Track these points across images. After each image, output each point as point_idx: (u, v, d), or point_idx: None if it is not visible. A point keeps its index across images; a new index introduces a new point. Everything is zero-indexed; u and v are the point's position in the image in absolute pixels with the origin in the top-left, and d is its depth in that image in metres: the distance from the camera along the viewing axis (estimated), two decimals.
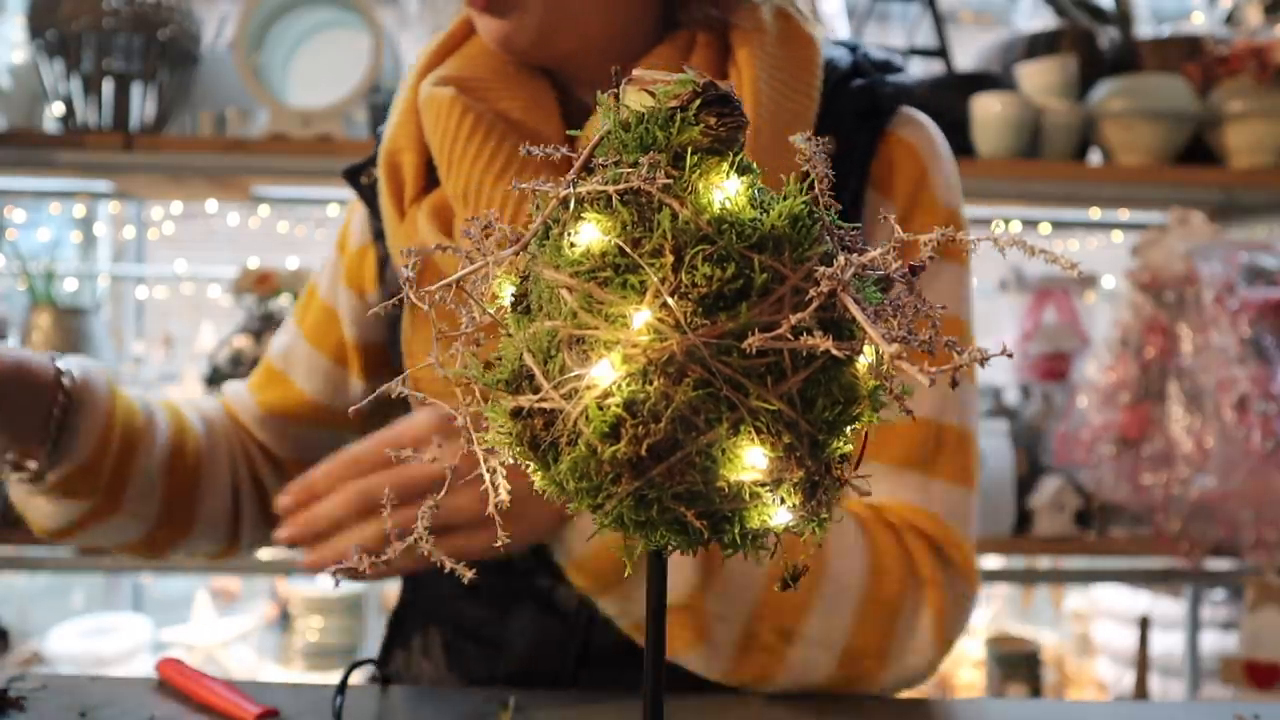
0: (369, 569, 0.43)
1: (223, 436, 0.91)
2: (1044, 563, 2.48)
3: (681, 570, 0.70)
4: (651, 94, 0.40)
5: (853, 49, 0.86)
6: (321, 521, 0.67)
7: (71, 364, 0.77)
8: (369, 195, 0.88)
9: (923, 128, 0.83)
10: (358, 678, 0.74)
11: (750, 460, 0.36)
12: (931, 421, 0.78)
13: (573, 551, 0.71)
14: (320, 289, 0.96)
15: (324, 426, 0.94)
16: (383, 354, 0.93)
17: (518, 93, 0.78)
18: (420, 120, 0.80)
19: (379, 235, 0.88)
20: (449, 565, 0.41)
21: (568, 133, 0.78)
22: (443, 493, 0.43)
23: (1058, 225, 2.49)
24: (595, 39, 0.77)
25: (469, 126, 0.76)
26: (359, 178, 0.90)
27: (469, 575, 0.41)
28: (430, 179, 0.81)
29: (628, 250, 0.37)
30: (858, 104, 0.81)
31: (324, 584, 2.72)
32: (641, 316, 0.36)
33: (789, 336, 0.35)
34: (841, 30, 2.19)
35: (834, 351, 0.35)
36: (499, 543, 0.40)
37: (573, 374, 0.37)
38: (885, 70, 0.85)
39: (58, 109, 1.89)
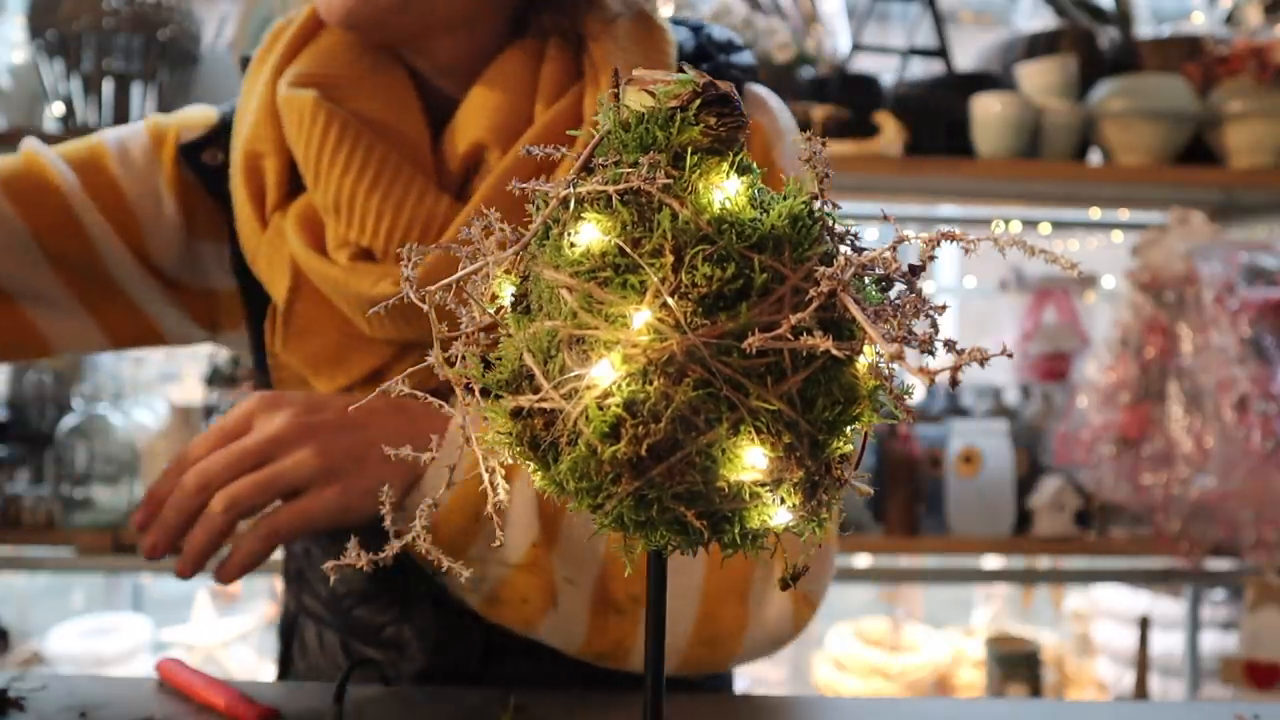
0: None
1: None
2: (1044, 563, 2.48)
3: (520, 528, 0.70)
4: (651, 94, 0.40)
5: (695, 30, 0.85)
6: (171, 519, 0.67)
7: None
8: (212, 178, 0.83)
9: (766, 104, 0.83)
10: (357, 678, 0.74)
11: (750, 460, 0.36)
12: None
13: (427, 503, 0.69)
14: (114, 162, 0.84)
15: None
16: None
17: (375, 88, 0.77)
18: (280, 123, 0.77)
19: (229, 226, 0.83)
20: (443, 562, 0.41)
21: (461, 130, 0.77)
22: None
23: (1058, 225, 2.49)
24: (441, 21, 0.75)
25: (335, 135, 0.74)
26: (200, 156, 0.83)
27: (465, 574, 0.41)
28: (293, 183, 0.79)
29: (628, 250, 0.37)
30: None
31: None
32: (641, 316, 0.36)
33: (789, 336, 0.35)
34: (842, 30, 2.19)
35: (834, 351, 0.35)
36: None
37: (573, 374, 0.37)
38: (729, 50, 0.84)
39: (58, 109, 1.89)
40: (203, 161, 0.83)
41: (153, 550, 0.68)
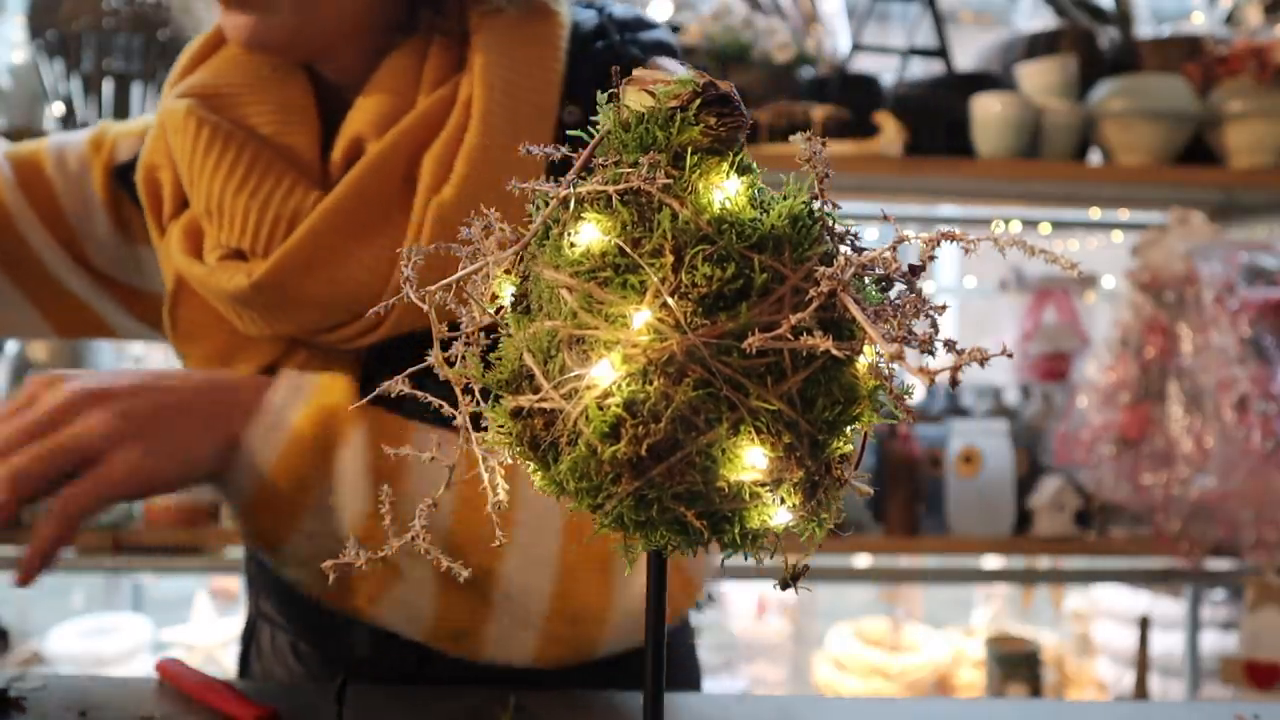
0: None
1: None
2: (1044, 563, 2.48)
3: (354, 495, 0.68)
4: (651, 94, 0.40)
5: (599, 10, 0.84)
6: None
7: None
8: (135, 194, 0.84)
9: (663, 66, 0.81)
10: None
11: (750, 460, 0.36)
12: None
13: (249, 472, 0.68)
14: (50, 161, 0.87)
15: None
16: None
17: (269, 97, 0.78)
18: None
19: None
20: (443, 561, 0.41)
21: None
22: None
23: (1058, 225, 2.49)
24: (336, 34, 0.76)
25: (206, 140, 0.75)
26: (129, 175, 0.85)
27: (465, 573, 0.41)
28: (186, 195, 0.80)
29: (628, 250, 0.37)
30: (600, 67, 0.79)
31: None
32: (641, 316, 0.36)
33: (789, 336, 0.35)
34: (842, 30, 2.19)
35: (834, 351, 0.35)
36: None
37: (573, 374, 0.37)
38: (634, 28, 0.83)
39: (58, 109, 1.89)
40: (130, 180, 0.84)
41: None
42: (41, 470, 0.62)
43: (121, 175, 0.85)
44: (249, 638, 0.93)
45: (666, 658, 0.87)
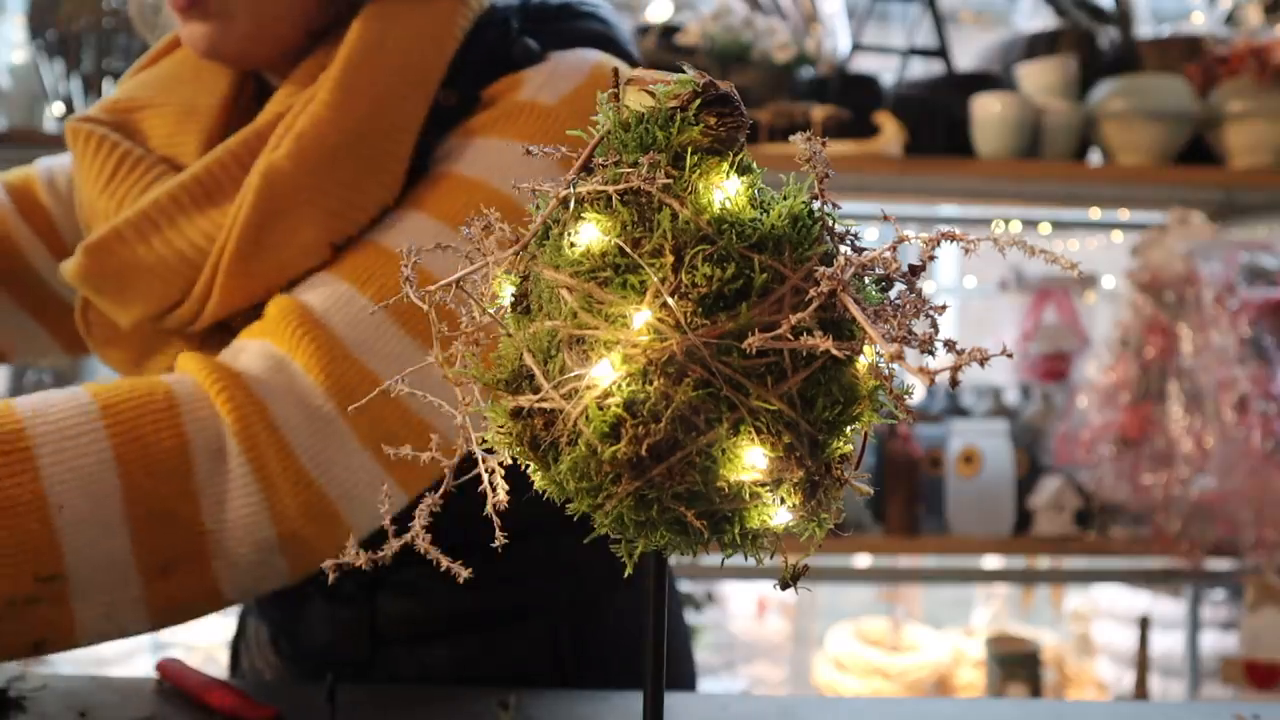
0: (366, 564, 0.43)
1: None
2: (1044, 563, 2.48)
3: None
4: (651, 94, 0.40)
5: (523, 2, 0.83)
6: None
7: None
8: None
9: (551, 60, 0.78)
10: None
11: (750, 460, 0.36)
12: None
13: None
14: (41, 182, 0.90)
15: None
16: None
17: (173, 102, 0.80)
18: None
19: None
20: (442, 562, 0.41)
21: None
22: (442, 490, 0.43)
23: (1058, 225, 2.49)
24: (294, 44, 0.77)
25: (80, 148, 0.78)
26: None
27: (465, 573, 0.40)
28: None
29: (628, 250, 0.37)
30: (484, 54, 0.77)
31: None
32: (641, 316, 0.36)
33: (789, 337, 0.35)
34: (842, 30, 2.19)
35: (834, 351, 0.35)
36: None
37: (573, 374, 0.37)
38: (557, 18, 0.81)
39: (58, 109, 1.89)
40: None
41: None
42: None
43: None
44: (240, 631, 0.95)
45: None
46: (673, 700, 0.72)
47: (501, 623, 0.83)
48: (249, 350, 0.69)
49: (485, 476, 0.40)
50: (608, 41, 0.80)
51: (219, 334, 0.75)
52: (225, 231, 0.71)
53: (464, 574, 0.40)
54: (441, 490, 0.43)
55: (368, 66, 0.73)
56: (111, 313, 0.77)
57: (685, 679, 0.93)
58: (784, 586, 0.40)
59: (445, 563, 0.41)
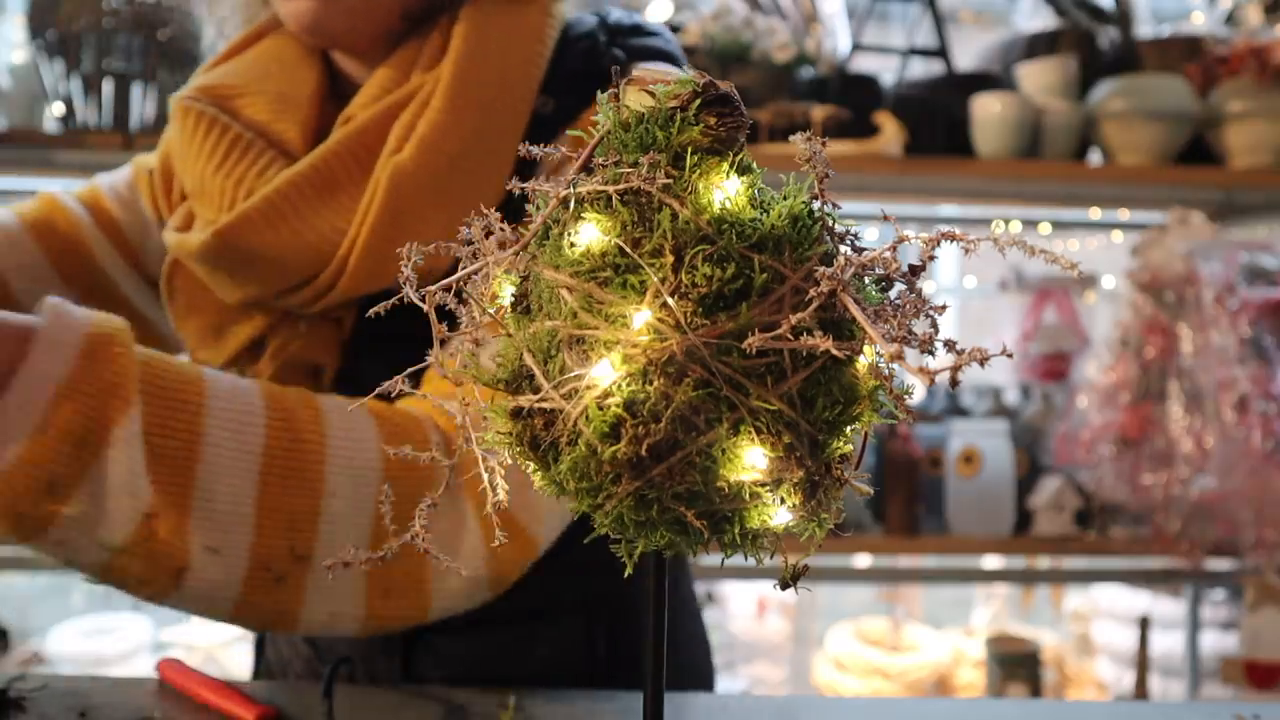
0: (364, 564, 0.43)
1: None
2: (1044, 563, 2.48)
3: (122, 500, 0.59)
4: (651, 94, 0.40)
5: (599, 15, 0.87)
6: None
7: None
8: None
9: (649, 70, 0.83)
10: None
11: (750, 460, 0.36)
12: None
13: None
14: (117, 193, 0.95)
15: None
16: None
17: (268, 90, 0.83)
18: None
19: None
20: (442, 560, 0.41)
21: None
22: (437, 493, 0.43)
23: (1058, 225, 2.49)
24: (388, 28, 0.80)
25: (192, 126, 0.81)
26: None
27: (464, 572, 0.41)
28: None
29: (628, 250, 0.37)
30: (579, 65, 0.81)
31: None
32: (641, 316, 0.36)
33: (789, 336, 0.35)
34: (842, 30, 2.19)
35: (834, 351, 0.35)
36: None
37: (573, 374, 0.37)
38: (630, 34, 0.85)
39: (58, 109, 1.89)
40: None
41: None
42: None
43: (153, 177, 0.92)
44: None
45: (678, 656, 0.87)
46: (673, 700, 0.72)
47: (536, 620, 0.83)
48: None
49: (485, 476, 0.40)
50: (672, 58, 0.85)
51: (322, 315, 0.80)
52: (355, 227, 0.75)
53: (464, 573, 0.40)
54: (440, 489, 0.43)
55: (475, 74, 0.77)
56: (223, 289, 0.80)
57: (706, 679, 0.93)
58: (784, 586, 0.40)
59: (446, 562, 0.41)
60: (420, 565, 0.68)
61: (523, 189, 0.42)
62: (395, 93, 0.78)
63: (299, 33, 0.80)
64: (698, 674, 0.93)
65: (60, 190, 0.93)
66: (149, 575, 0.61)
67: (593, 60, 0.81)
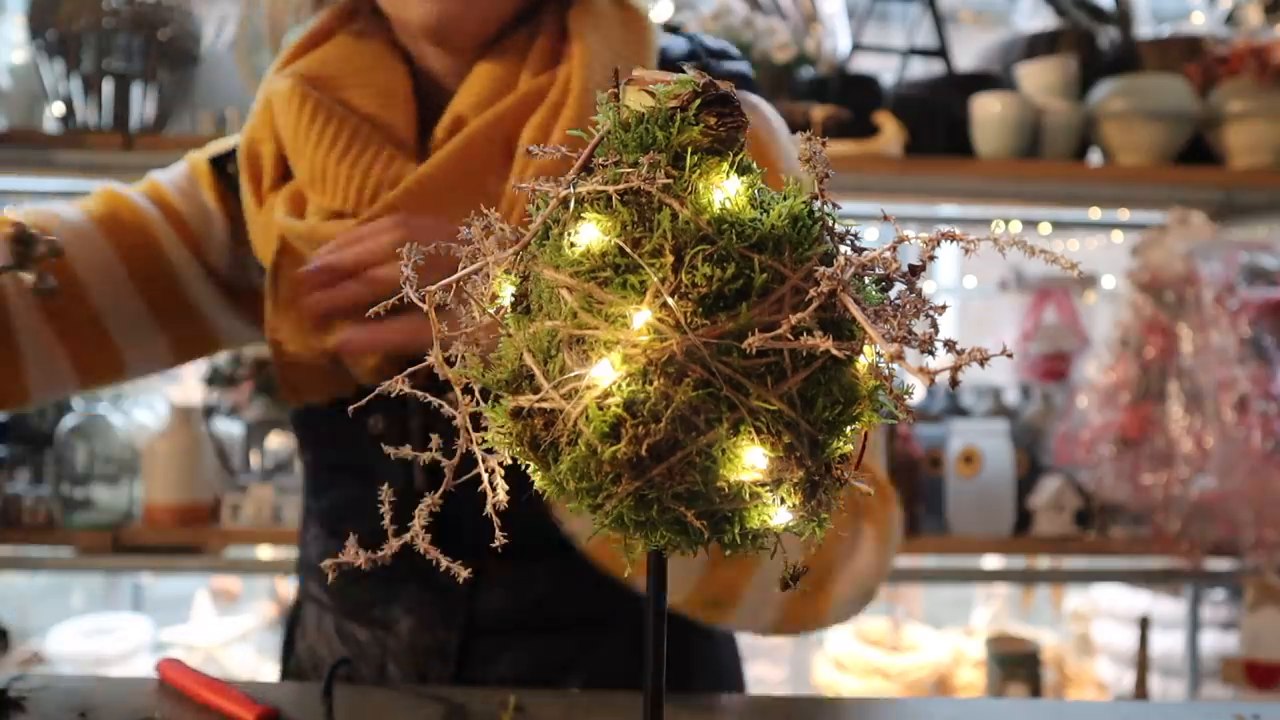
0: (364, 564, 0.43)
1: None
2: (1044, 563, 2.48)
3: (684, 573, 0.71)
4: (651, 94, 0.40)
5: (689, 38, 0.88)
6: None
7: None
8: (235, 185, 0.89)
9: (757, 109, 0.86)
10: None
11: (750, 460, 0.36)
12: None
13: None
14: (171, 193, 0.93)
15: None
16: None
17: (369, 83, 0.82)
18: (273, 112, 0.84)
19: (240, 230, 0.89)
20: (442, 562, 0.41)
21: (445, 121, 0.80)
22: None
23: (1058, 225, 2.49)
24: (500, 27, 0.80)
25: (309, 113, 0.80)
26: (226, 167, 0.91)
27: (465, 574, 0.40)
28: (286, 169, 0.84)
29: (628, 250, 0.37)
30: None
31: None
32: (641, 316, 0.36)
33: (789, 336, 0.35)
34: (842, 30, 2.19)
35: (834, 351, 0.35)
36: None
37: (573, 374, 0.37)
38: (721, 58, 0.87)
39: (58, 109, 1.89)
40: (227, 171, 0.91)
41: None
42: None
43: (218, 165, 0.91)
44: (293, 620, 0.95)
45: (710, 659, 0.88)
46: (673, 701, 0.72)
47: (591, 628, 0.84)
48: None
49: (485, 477, 0.40)
50: (752, 84, 0.88)
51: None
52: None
53: (464, 574, 0.40)
54: (440, 490, 0.43)
55: (595, 84, 0.77)
56: None
57: (738, 680, 0.94)
58: (784, 587, 0.40)
59: (445, 563, 0.41)
60: (827, 573, 0.76)
61: (522, 188, 0.42)
62: (516, 92, 0.78)
63: (423, 33, 0.79)
64: (730, 676, 0.93)
65: (117, 185, 0.91)
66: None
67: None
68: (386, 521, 0.43)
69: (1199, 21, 2.60)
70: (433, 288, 0.42)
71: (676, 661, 0.86)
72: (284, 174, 0.84)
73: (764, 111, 0.86)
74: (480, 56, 0.81)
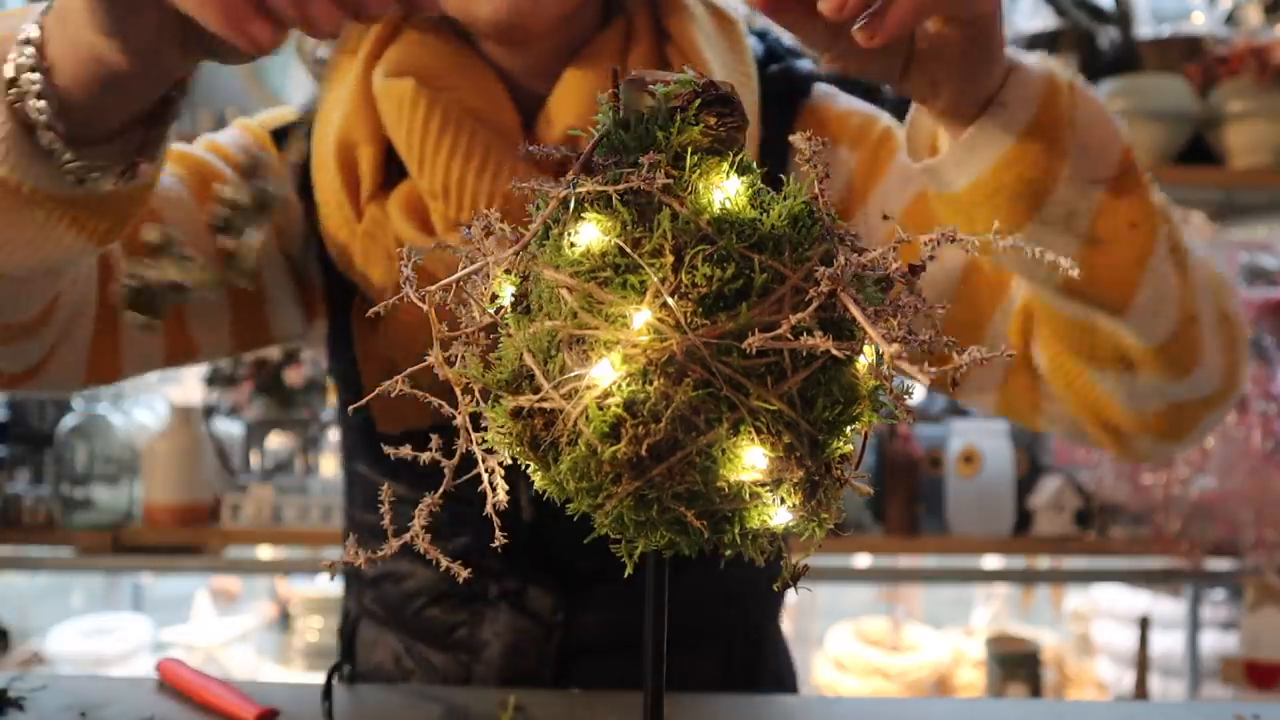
0: (364, 563, 0.42)
1: None
2: (1044, 563, 2.48)
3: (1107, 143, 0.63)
4: (651, 94, 0.40)
5: (762, 36, 0.87)
6: None
7: None
8: (293, 174, 0.84)
9: (838, 95, 0.86)
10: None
11: (750, 460, 0.36)
12: None
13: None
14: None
15: None
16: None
17: (468, 81, 0.77)
18: (376, 112, 0.78)
19: (310, 222, 0.83)
20: (442, 562, 0.41)
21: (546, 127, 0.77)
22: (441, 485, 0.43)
23: None
24: (572, 13, 0.75)
25: (439, 120, 0.74)
26: (281, 145, 0.84)
27: (465, 574, 0.40)
28: (388, 172, 0.79)
29: (628, 250, 0.37)
30: (775, 87, 0.82)
31: (325, 584, 2.72)
32: (642, 316, 0.36)
33: (789, 336, 0.35)
34: None
35: (834, 352, 0.35)
36: None
37: (573, 374, 0.37)
38: (796, 55, 0.86)
39: None
40: (284, 141, 0.84)
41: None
42: None
43: (277, 137, 0.84)
44: (350, 635, 0.91)
45: (759, 651, 0.87)
46: (673, 701, 0.72)
47: (683, 641, 0.82)
48: None
49: (485, 476, 0.40)
50: (822, 76, 0.87)
51: None
52: None
53: (464, 574, 0.40)
54: (440, 490, 0.43)
55: None
56: None
57: (783, 680, 0.93)
58: (784, 586, 0.40)
59: (445, 562, 0.41)
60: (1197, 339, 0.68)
61: (523, 188, 0.42)
62: (601, 127, 0.73)
63: (494, 30, 0.73)
64: (783, 682, 0.92)
65: (186, 147, 0.82)
66: (1139, 217, 0.65)
67: (788, 83, 0.83)
68: (386, 521, 0.43)
69: (1199, 21, 2.60)
70: (433, 288, 0.42)
71: (745, 672, 0.86)
72: (385, 178, 0.79)
73: (843, 97, 0.86)
74: (570, 61, 0.76)
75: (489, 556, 0.71)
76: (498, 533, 0.40)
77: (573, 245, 0.39)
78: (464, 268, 0.42)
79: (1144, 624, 1.99)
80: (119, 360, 0.77)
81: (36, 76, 0.52)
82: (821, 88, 0.85)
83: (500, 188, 0.73)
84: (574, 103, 0.75)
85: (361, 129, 0.78)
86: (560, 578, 0.80)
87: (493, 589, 0.81)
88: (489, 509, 0.40)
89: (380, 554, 0.42)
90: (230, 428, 2.01)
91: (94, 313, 0.74)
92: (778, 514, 0.38)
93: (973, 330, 0.78)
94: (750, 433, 0.36)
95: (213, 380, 2.01)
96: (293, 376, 1.96)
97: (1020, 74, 0.63)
